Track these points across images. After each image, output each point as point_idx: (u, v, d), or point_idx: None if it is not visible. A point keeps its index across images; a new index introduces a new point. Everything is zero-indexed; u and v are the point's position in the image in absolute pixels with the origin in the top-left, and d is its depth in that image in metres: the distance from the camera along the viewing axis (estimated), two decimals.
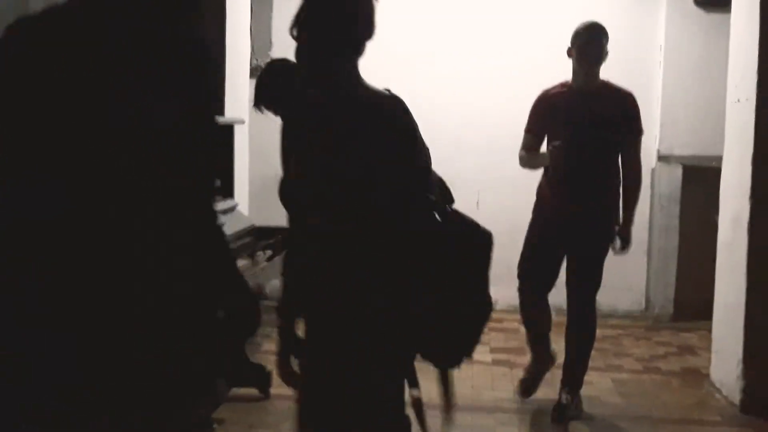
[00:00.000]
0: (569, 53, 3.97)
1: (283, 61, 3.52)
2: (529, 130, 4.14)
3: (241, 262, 3.47)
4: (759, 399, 4.19)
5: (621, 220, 4.07)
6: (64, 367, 2.06)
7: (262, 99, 3.44)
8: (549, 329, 4.25)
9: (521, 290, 4.24)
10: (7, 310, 2.08)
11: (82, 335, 2.05)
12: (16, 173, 2.05)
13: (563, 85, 4.07)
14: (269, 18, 6.27)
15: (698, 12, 6.13)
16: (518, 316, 5.42)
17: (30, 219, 2.03)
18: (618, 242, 4.08)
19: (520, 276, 4.23)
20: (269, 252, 3.64)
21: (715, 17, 5.89)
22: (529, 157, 4.14)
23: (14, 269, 2.07)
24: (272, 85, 3.44)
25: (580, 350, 4.10)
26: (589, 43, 3.90)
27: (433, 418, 3.96)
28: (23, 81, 1.93)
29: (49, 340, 2.06)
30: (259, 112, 3.47)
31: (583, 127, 3.89)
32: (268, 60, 5.20)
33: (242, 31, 5.05)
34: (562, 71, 4.13)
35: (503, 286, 6.38)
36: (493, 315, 6.40)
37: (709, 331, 4.79)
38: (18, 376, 2.09)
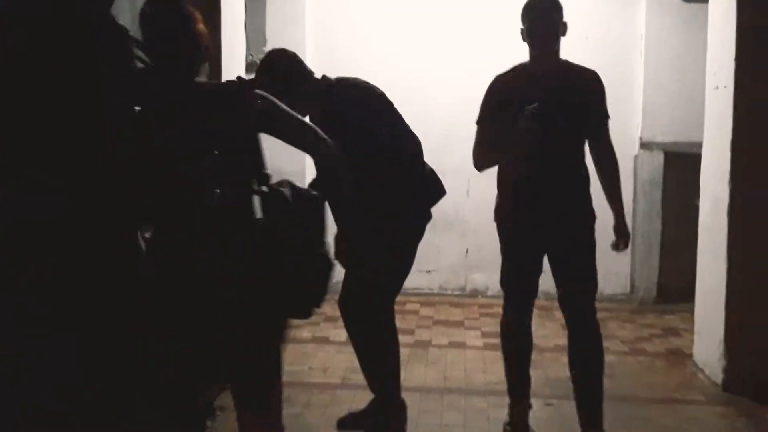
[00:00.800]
0: (522, 35, 3.41)
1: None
2: (479, 122, 3.56)
3: None
4: (740, 378, 4.21)
5: (614, 215, 3.50)
6: (64, 366, 2.06)
7: None
8: (530, 360, 3.65)
9: (508, 306, 3.59)
10: (7, 310, 2.07)
11: (83, 335, 2.05)
12: (17, 173, 2.05)
13: (516, 68, 3.49)
14: (263, 14, 6.27)
15: (677, 3, 6.15)
16: None
17: (30, 219, 2.02)
18: (616, 238, 3.52)
19: (506, 290, 3.59)
20: None
21: (694, 7, 5.90)
22: (482, 149, 3.52)
23: (14, 269, 2.06)
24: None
25: (593, 374, 3.45)
26: (538, 19, 3.34)
27: (431, 402, 4.00)
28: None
29: (49, 340, 2.04)
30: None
31: (544, 109, 3.27)
32: (263, 55, 5.20)
33: (237, 27, 5.03)
34: None
35: (492, 272, 6.44)
36: (484, 301, 6.50)
37: (692, 313, 4.80)
38: (18, 376, 2.07)
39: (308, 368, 4.57)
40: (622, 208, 3.52)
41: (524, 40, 3.40)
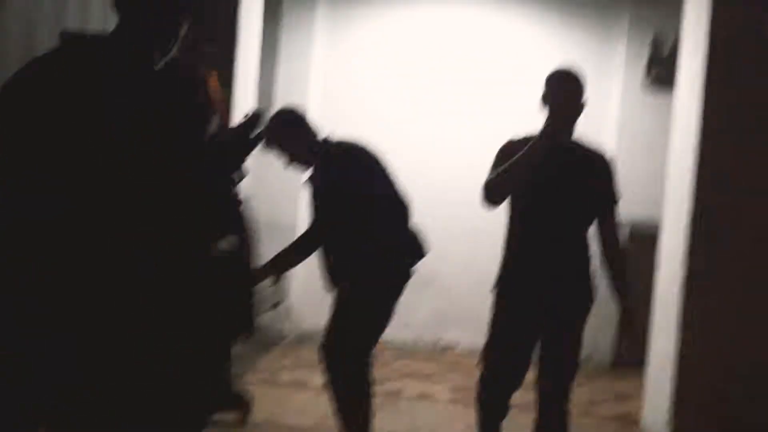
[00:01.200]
0: (543, 102, 3.15)
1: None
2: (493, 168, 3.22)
3: None
4: None
5: (617, 298, 3.23)
6: (64, 367, 2.02)
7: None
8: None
9: (484, 388, 3.32)
10: (7, 310, 2.02)
11: (82, 335, 2.01)
12: (17, 174, 2.01)
13: (529, 137, 3.17)
14: (273, 76, 6.51)
15: (647, 92, 6.41)
16: (475, 357, 5.41)
17: (30, 219, 1.98)
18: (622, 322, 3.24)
19: (485, 368, 3.33)
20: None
21: (662, 97, 6.12)
22: (495, 174, 3.14)
23: (14, 269, 2.01)
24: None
25: None
26: (567, 92, 3.11)
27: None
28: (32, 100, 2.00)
29: (49, 341, 2.01)
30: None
31: (552, 185, 3.11)
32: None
33: (249, 86, 5.20)
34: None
35: (462, 329, 6.56)
36: (453, 356, 6.43)
37: (644, 380, 4.84)
38: (18, 377, 2.04)
39: (284, 411, 4.60)
40: (626, 288, 3.24)
41: (544, 107, 3.14)
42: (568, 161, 3.17)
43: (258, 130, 2.13)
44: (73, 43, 2.12)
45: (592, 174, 3.23)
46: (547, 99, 3.15)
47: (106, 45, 2.12)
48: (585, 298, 3.25)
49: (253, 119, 2.12)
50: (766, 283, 4.36)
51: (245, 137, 2.12)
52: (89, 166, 1.99)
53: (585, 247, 3.26)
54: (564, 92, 3.11)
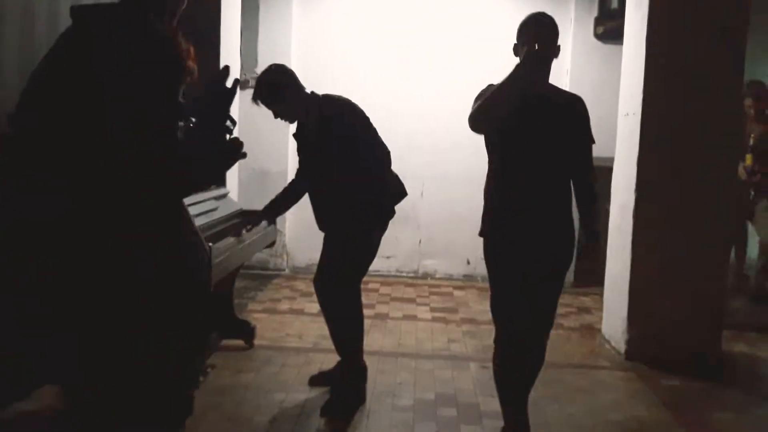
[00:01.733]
0: (515, 50, 2.75)
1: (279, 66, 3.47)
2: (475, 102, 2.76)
3: (230, 239, 3.44)
4: (639, 348, 4.26)
5: (585, 235, 2.85)
6: (65, 366, 1.84)
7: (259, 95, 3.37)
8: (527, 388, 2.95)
9: (501, 338, 2.90)
10: (7, 310, 1.83)
11: (84, 334, 1.81)
12: (18, 174, 1.83)
13: None
14: (255, 40, 6.21)
15: (597, 43, 6.24)
16: (451, 283, 5.37)
17: (31, 219, 1.78)
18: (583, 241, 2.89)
19: (499, 322, 2.89)
20: (249, 226, 3.63)
21: (611, 47, 6.01)
22: (478, 105, 2.71)
23: (15, 269, 1.81)
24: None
25: (528, 385, 2.95)
26: (539, 38, 2.67)
27: (387, 364, 4.01)
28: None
29: (51, 340, 1.81)
30: (255, 105, 3.41)
31: (529, 130, 2.72)
32: (254, 74, 5.18)
33: (233, 51, 4.99)
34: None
35: (439, 259, 6.51)
36: (432, 282, 6.47)
37: (602, 295, 4.83)
38: (19, 376, 1.88)
39: (285, 335, 4.53)
40: (592, 223, 2.84)
41: (516, 54, 2.74)
42: (543, 106, 2.75)
43: (231, 81, 1.88)
44: (80, 16, 1.90)
45: (568, 118, 2.79)
46: (520, 44, 2.74)
47: (106, 13, 1.89)
48: (568, 247, 2.83)
49: (224, 72, 1.87)
50: (705, 209, 4.27)
51: (222, 88, 1.84)
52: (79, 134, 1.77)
53: (566, 192, 2.81)
54: (537, 35, 2.68)
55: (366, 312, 3.56)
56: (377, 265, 5.50)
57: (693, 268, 4.24)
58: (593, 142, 2.85)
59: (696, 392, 3.84)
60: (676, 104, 4.21)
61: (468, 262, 6.39)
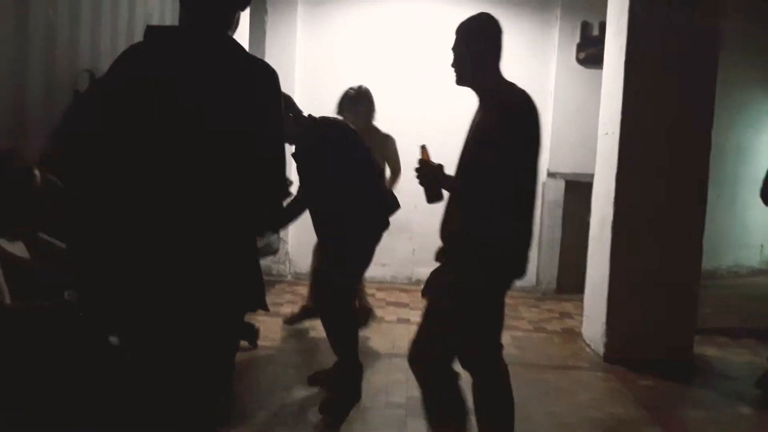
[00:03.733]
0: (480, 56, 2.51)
1: None
2: None
3: None
4: (617, 351, 4.26)
5: None
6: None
7: None
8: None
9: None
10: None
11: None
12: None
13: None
14: (263, 52, 6.19)
15: (579, 68, 6.23)
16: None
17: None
18: None
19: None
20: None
21: (592, 72, 5.97)
22: None
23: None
24: None
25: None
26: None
27: (382, 364, 3.97)
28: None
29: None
30: None
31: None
32: None
33: None
34: None
35: (433, 267, 6.43)
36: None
37: (582, 301, 4.82)
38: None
39: (287, 336, 4.49)
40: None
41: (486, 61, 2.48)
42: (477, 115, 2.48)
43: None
44: (159, 35, 1.85)
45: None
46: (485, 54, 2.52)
47: (187, 34, 1.82)
48: None
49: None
50: (678, 221, 4.29)
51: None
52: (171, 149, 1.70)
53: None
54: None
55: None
56: (373, 272, 5.49)
57: (667, 275, 4.25)
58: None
59: (670, 392, 3.84)
60: (651, 124, 4.23)
61: None
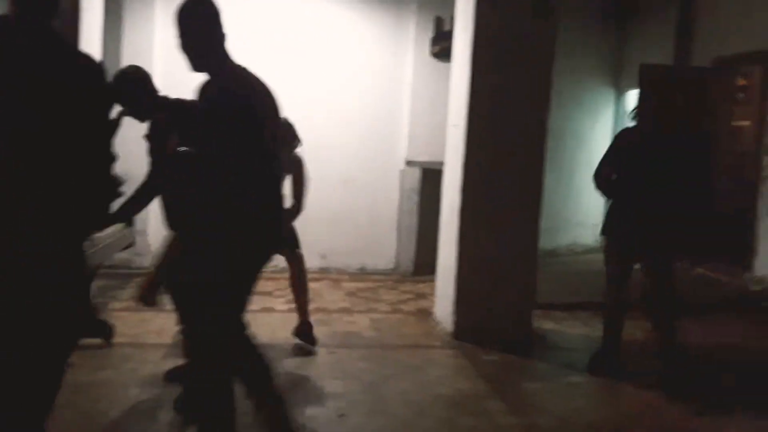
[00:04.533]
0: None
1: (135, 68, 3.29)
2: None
3: None
4: (464, 329, 4.43)
5: None
6: None
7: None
8: None
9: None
10: None
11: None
12: None
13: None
14: (118, 49, 5.86)
15: (433, 61, 6.38)
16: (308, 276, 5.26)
17: None
18: None
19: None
20: None
21: (446, 65, 6.03)
22: None
23: None
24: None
25: None
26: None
27: None
28: None
29: None
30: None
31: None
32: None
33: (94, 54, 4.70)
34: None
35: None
36: (286, 275, 6.22)
37: (434, 282, 4.94)
38: None
39: (145, 331, 4.33)
40: None
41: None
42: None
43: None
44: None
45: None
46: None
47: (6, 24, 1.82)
48: None
49: None
50: (518, 208, 4.50)
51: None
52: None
53: None
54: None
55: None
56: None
57: (509, 256, 4.46)
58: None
59: (511, 365, 4.07)
60: (495, 117, 4.41)
61: (323, 257, 6.38)
